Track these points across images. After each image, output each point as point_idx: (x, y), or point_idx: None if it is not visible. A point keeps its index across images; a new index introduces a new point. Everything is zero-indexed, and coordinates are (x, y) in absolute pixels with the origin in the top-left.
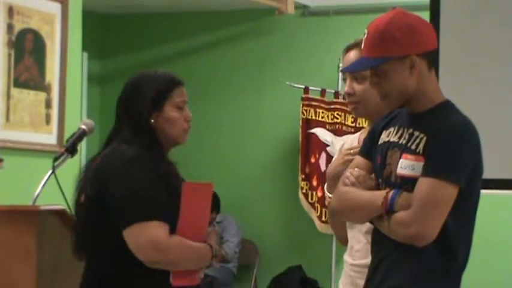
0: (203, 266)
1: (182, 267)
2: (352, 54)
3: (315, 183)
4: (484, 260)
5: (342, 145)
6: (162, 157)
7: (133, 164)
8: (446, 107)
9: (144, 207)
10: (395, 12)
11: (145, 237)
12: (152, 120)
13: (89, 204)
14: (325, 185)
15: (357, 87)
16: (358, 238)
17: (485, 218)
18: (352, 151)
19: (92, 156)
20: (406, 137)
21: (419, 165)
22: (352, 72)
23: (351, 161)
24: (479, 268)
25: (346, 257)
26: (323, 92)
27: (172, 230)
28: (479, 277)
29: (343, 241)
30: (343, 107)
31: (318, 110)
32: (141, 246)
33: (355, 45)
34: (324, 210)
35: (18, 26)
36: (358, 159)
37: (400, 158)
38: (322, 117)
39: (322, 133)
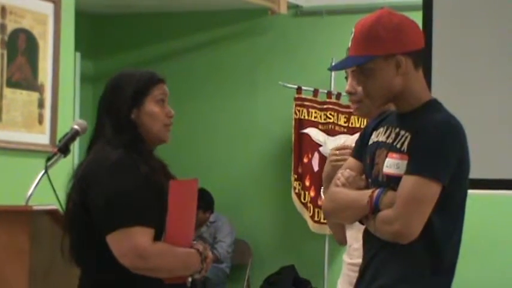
0: (191, 273)
1: (167, 275)
2: None
3: (307, 183)
4: (475, 258)
5: (342, 143)
6: (145, 156)
7: (115, 169)
8: (433, 106)
9: (125, 213)
10: (381, 12)
11: (128, 244)
12: (133, 116)
13: (76, 210)
14: (322, 190)
15: (358, 86)
16: (357, 237)
17: (476, 217)
18: (338, 152)
19: (80, 162)
20: (393, 136)
21: (404, 163)
22: (338, 70)
23: (337, 160)
24: (470, 267)
25: (344, 257)
26: (316, 92)
27: (159, 231)
28: (470, 276)
29: (342, 241)
30: (335, 107)
31: (310, 110)
32: (124, 253)
33: None
34: (316, 210)
35: (10, 26)
36: (350, 161)
37: (386, 157)
38: (315, 117)
39: (314, 133)
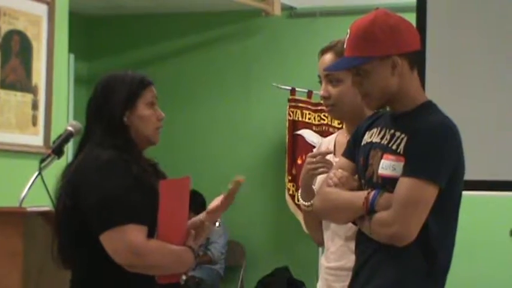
0: (185, 269)
1: (163, 271)
2: (327, 57)
3: None
4: (468, 260)
5: (318, 146)
6: (136, 157)
7: (106, 168)
8: (428, 107)
9: (118, 212)
10: (377, 13)
11: (122, 242)
12: (125, 119)
13: (66, 211)
14: (299, 192)
15: (332, 90)
16: (334, 240)
17: (468, 218)
18: (314, 159)
19: (68, 163)
20: (388, 137)
21: (400, 165)
22: (333, 71)
23: (314, 169)
24: (462, 267)
25: (322, 260)
26: (309, 94)
27: (152, 230)
28: (463, 277)
29: (321, 243)
30: None
31: (304, 111)
32: (118, 251)
33: (330, 47)
34: None
35: (4, 28)
36: (342, 160)
37: (381, 158)
38: (309, 119)
39: (308, 134)
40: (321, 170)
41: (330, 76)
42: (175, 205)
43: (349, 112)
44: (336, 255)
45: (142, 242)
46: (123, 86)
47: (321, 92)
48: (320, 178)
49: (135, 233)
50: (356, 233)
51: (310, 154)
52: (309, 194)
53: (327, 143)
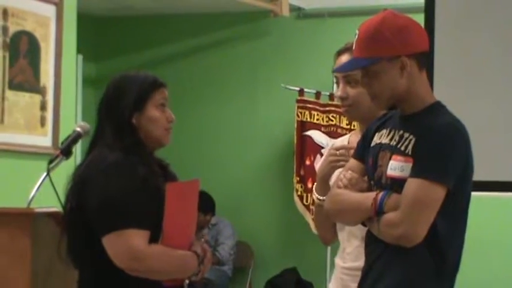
0: (188, 275)
1: (164, 276)
2: (344, 58)
3: (310, 185)
4: (477, 261)
5: (330, 146)
6: (145, 159)
7: (111, 170)
8: (437, 108)
9: (120, 215)
10: (386, 13)
11: (122, 246)
12: (134, 121)
13: (73, 213)
14: (314, 186)
15: (350, 91)
16: (350, 240)
17: (478, 219)
18: (338, 152)
19: (79, 164)
20: (397, 138)
21: (408, 166)
22: (343, 72)
23: (335, 161)
24: (472, 269)
25: (337, 260)
26: (318, 94)
27: (157, 233)
28: (473, 278)
29: (326, 241)
30: (338, 109)
31: (313, 112)
32: (118, 255)
33: (347, 49)
34: None
35: (12, 28)
36: (352, 162)
37: (390, 159)
38: (317, 120)
39: (317, 135)
40: (342, 163)
41: (348, 77)
42: (182, 209)
43: (365, 113)
44: (352, 256)
45: (143, 247)
46: (133, 87)
47: (339, 93)
48: (336, 174)
49: (136, 238)
50: (365, 233)
51: (333, 146)
52: (324, 188)
53: (340, 144)
